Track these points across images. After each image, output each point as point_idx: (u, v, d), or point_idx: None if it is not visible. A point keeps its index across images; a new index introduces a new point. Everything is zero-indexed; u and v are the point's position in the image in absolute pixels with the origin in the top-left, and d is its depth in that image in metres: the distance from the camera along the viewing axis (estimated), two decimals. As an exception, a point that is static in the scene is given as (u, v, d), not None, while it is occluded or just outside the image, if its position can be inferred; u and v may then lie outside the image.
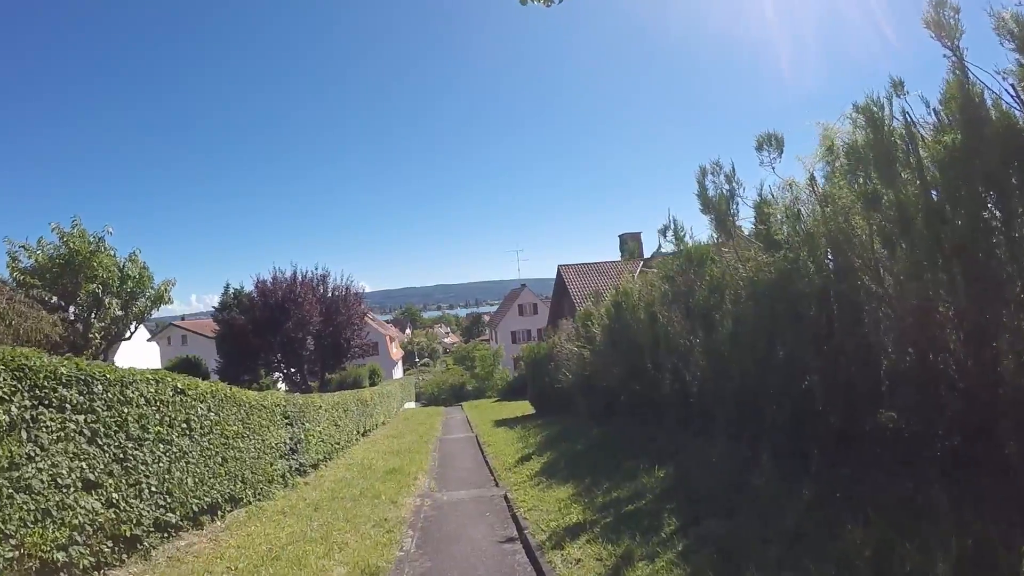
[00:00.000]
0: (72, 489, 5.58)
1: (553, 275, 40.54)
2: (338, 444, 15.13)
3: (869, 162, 5.53)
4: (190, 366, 27.83)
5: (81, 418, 5.84)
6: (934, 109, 5.17)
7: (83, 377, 5.96)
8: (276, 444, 10.81)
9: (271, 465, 10.47)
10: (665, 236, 9.00)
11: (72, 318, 15.75)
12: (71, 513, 5.51)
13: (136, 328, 17.86)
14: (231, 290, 31.05)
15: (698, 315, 7.78)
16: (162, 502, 6.99)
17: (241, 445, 9.24)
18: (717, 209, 7.37)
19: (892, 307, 5.53)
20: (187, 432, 7.68)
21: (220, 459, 8.50)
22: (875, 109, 5.52)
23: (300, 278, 26.56)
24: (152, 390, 7.08)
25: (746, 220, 7.63)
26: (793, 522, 4.82)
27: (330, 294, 28.23)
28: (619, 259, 37.53)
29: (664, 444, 8.56)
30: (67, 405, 5.68)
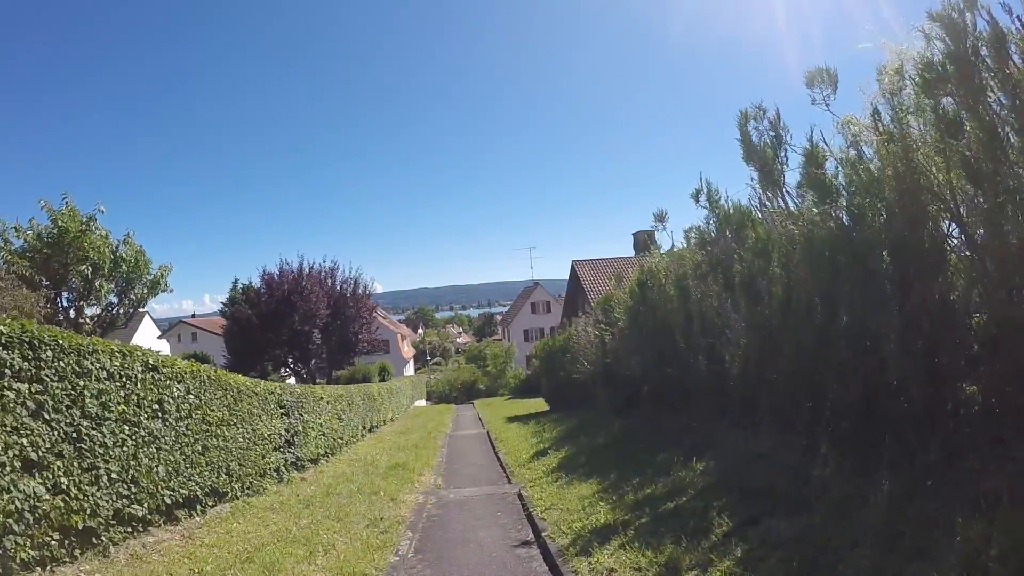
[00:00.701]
0: (7, 469, 4.70)
1: (566, 276, 39.69)
2: (341, 439, 14.26)
3: (948, 79, 4.53)
4: (199, 362, 27.25)
5: (24, 387, 4.97)
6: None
7: (29, 340, 5.09)
8: (269, 435, 9.93)
9: (263, 458, 9.60)
10: (698, 201, 8.02)
11: (65, 304, 15.01)
12: (5, 497, 4.64)
13: (132, 316, 17.06)
14: (239, 285, 30.38)
15: (740, 285, 6.78)
16: (125, 492, 6.11)
17: (227, 433, 8.36)
18: (762, 157, 6.38)
19: (979, 254, 4.54)
20: (159, 414, 6.80)
21: (200, 447, 7.62)
22: (954, 15, 4.52)
23: (307, 270, 25.75)
24: (117, 363, 6.21)
25: (794, 171, 6.64)
26: (881, 519, 3.81)
27: (338, 288, 27.41)
28: (633, 256, 36.89)
29: (698, 435, 7.56)
30: (5, 370, 4.80)
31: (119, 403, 6.14)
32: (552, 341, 19.05)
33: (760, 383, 6.69)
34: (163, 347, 57.45)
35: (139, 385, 6.50)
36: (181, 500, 7.18)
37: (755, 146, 6.41)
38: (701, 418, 8.12)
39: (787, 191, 6.60)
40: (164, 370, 7.03)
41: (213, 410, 8.03)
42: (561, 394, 17.97)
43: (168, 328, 68.15)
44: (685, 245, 8.81)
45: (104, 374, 6.00)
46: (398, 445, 14.24)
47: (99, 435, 5.79)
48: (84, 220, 13.59)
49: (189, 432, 7.38)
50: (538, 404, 25.04)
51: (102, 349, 6.05)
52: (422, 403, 38.64)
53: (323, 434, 12.80)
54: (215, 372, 8.37)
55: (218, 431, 8.11)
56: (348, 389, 16.21)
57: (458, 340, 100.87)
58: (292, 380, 28.94)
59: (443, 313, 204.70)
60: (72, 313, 14.33)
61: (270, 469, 9.88)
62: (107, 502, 5.84)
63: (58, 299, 14.66)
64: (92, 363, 5.84)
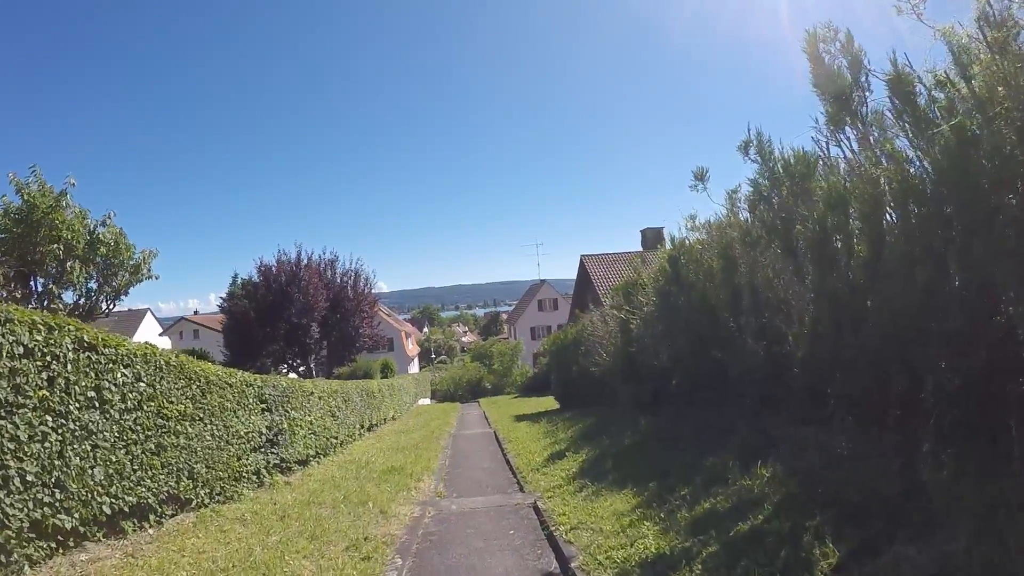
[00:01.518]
0: None
1: (573, 275, 38.50)
2: (335, 438, 13.03)
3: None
4: (198, 359, 26.10)
5: None
6: None
7: None
8: (247, 433, 8.71)
9: (238, 459, 8.37)
10: (747, 154, 6.74)
11: (40, 289, 13.82)
12: None
13: (114, 305, 15.85)
14: (239, 280, 29.22)
15: (809, 246, 5.50)
16: (47, 498, 4.89)
17: (190, 430, 7.13)
18: (837, 84, 5.10)
19: None
20: (96, 404, 5.58)
21: (154, 446, 6.39)
22: None
23: (305, 261, 24.48)
24: (39, 338, 4.99)
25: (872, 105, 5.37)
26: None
27: (338, 280, 26.17)
28: (642, 251, 35.75)
29: (749, 435, 6.26)
30: None
31: (39, 388, 4.91)
32: (563, 335, 17.75)
33: (833, 367, 5.41)
34: (164, 344, 56.64)
35: (69, 367, 5.27)
36: (128, 509, 5.96)
37: (829, 70, 5.13)
38: (749, 413, 6.83)
39: (869, 126, 5.31)
40: (106, 351, 5.80)
41: (172, 402, 6.80)
42: (573, 391, 16.68)
43: (170, 325, 67.38)
44: (727, 211, 7.51)
45: (20, 350, 4.78)
46: (397, 445, 13.00)
47: (8, 426, 4.57)
48: (55, 196, 12.37)
49: (139, 427, 6.15)
50: (547, 402, 23.76)
51: (18, 319, 4.83)
52: (426, 401, 37.40)
53: (313, 433, 11.57)
54: (177, 357, 7.12)
55: (179, 427, 6.87)
56: (344, 385, 14.99)
57: (463, 339, 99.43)
58: (293, 377, 27.84)
59: (448, 312, 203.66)
60: (47, 299, 13.11)
61: (248, 472, 8.66)
62: (20, 510, 4.63)
63: (31, 281, 13.47)
64: (2, 335, 4.62)
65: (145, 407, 6.30)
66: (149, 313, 64.39)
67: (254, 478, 8.95)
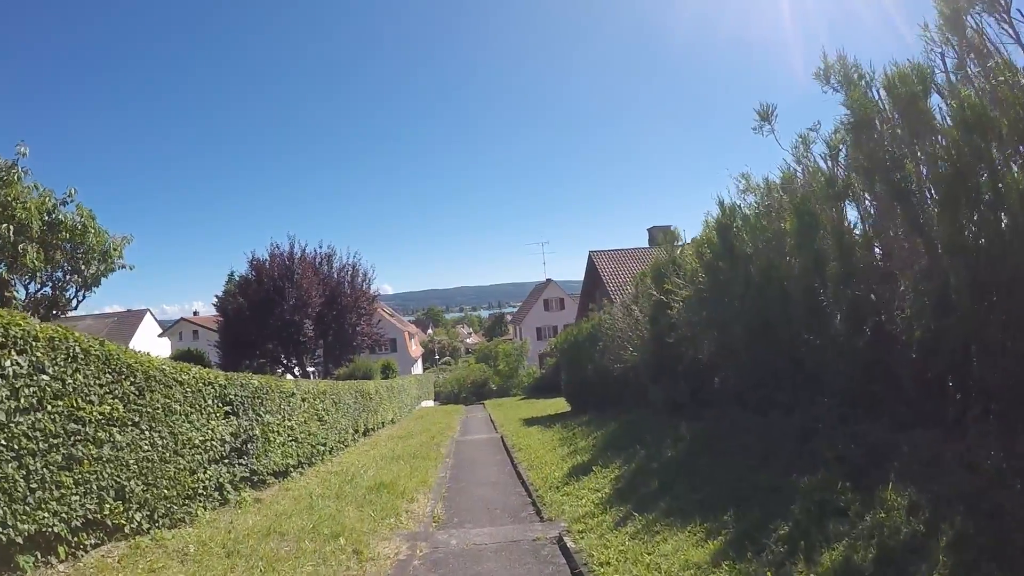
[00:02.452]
0: None
1: (579, 276, 37.09)
2: (322, 445, 11.55)
3: None
4: (193, 359, 24.60)
5: None
6: None
7: None
8: (204, 441, 7.23)
9: (192, 473, 6.89)
10: (827, 82, 5.24)
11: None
12: None
13: (84, 297, 14.43)
14: (235, 277, 27.79)
15: (933, 182, 3.99)
16: None
17: (120, 438, 5.64)
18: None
19: None
20: (-35, 405, 4.10)
21: (62, 458, 4.91)
22: None
23: (299, 253, 22.97)
24: None
25: None
26: None
27: (335, 275, 24.64)
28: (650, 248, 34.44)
29: (844, 444, 4.71)
30: None
31: None
32: (576, 331, 16.20)
33: (966, 350, 3.92)
34: (164, 345, 55.27)
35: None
36: (21, 540, 4.47)
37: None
38: (832, 416, 5.30)
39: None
40: (-14, 333, 4.32)
41: (92, 402, 5.31)
42: (587, 392, 15.13)
43: (170, 327, 66.16)
44: (793, 161, 6.00)
45: None
46: (393, 454, 11.49)
47: None
48: (4, 166, 10.91)
49: (39, 433, 4.68)
50: (557, 405, 22.21)
51: None
52: (429, 403, 35.88)
53: (295, 440, 10.09)
54: (101, 344, 5.62)
55: (102, 434, 5.39)
56: (335, 385, 13.50)
57: (468, 340, 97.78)
58: (291, 379, 26.33)
59: (453, 314, 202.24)
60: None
61: (206, 488, 7.18)
62: None
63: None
64: None
65: (49, 407, 4.83)
66: (149, 314, 63.18)
67: (215, 495, 7.48)
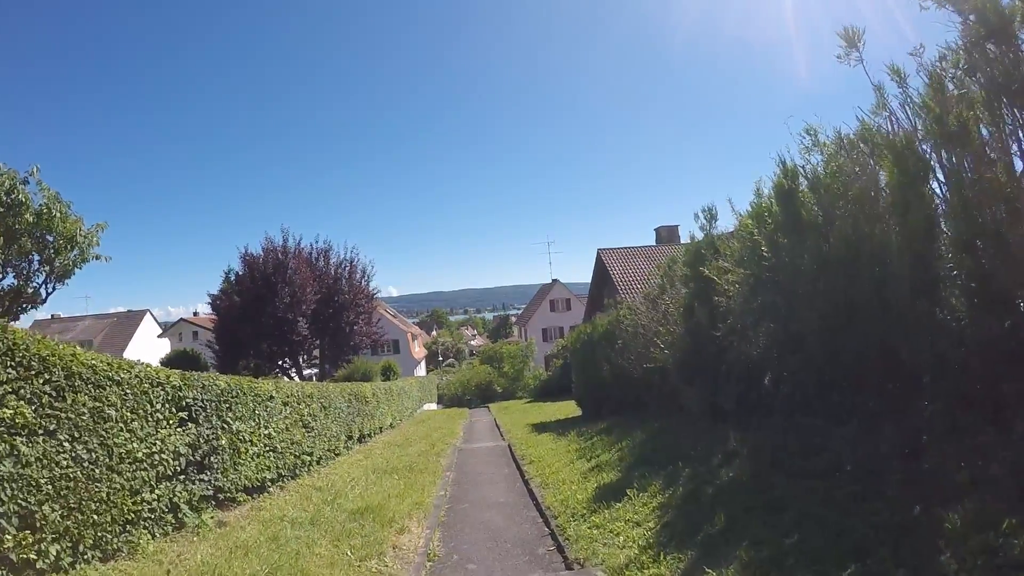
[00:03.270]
0: None
1: (585, 279, 35.91)
2: (307, 455, 10.26)
3: None
4: (188, 360, 23.43)
5: None
6: None
7: None
8: (152, 455, 5.94)
9: (135, 494, 5.61)
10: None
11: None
12: None
13: (53, 290, 13.18)
14: (232, 274, 26.58)
15: None
16: None
17: (27, 450, 4.37)
18: None
19: None
20: None
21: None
22: None
23: (293, 248, 21.66)
24: None
25: None
26: None
27: (332, 271, 23.35)
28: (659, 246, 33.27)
29: (974, 462, 3.38)
30: None
31: None
32: (590, 328, 14.83)
33: None
34: (163, 346, 54.11)
35: None
36: None
37: None
38: (943, 424, 3.98)
39: None
40: None
41: (-26, 409, 4.02)
42: (602, 395, 13.79)
43: (169, 327, 65.14)
44: (870, 112, 4.68)
45: None
46: (387, 465, 10.19)
47: None
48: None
49: None
50: (566, 408, 20.89)
51: None
52: (432, 407, 34.55)
53: (272, 450, 8.81)
54: (2, 331, 4.34)
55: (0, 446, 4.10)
56: (324, 388, 12.20)
57: (472, 342, 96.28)
58: (294, 378, 24.95)
59: (457, 316, 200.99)
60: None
61: (154, 511, 5.89)
62: None
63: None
64: None
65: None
66: (149, 315, 62.20)
67: (169, 518, 6.20)
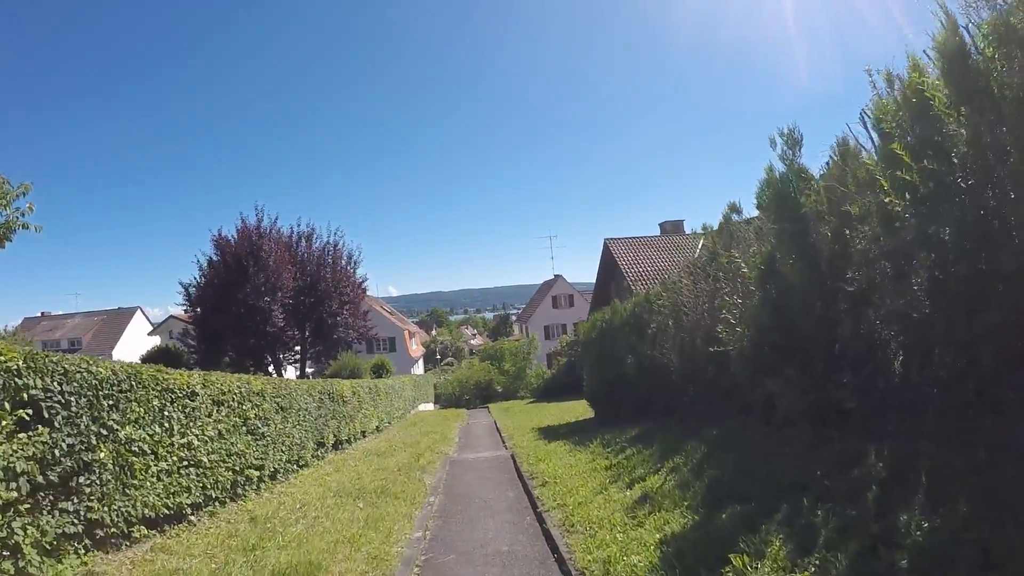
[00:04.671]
0: None
1: (587, 278, 33.78)
2: (256, 468, 8.00)
3: None
4: (169, 357, 21.12)
5: None
6: None
7: None
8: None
9: None
10: None
11: None
12: None
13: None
14: (206, 260, 24.16)
15: None
16: None
17: None
18: None
19: None
20: None
21: None
22: None
23: (268, 227, 19.22)
24: None
25: None
26: None
27: (315, 257, 20.92)
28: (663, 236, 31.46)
29: None
30: None
31: None
32: (609, 313, 12.47)
33: None
34: (153, 343, 51.91)
35: None
36: None
37: None
38: None
39: None
40: None
41: None
42: (623, 394, 11.46)
43: (159, 324, 62.97)
44: None
45: None
46: (355, 485, 7.88)
47: None
48: None
49: None
50: (575, 409, 18.59)
51: None
52: (429, 407, 32.15)
53: (196, 465, 6.54)
54: None
55: None
56: (283, 384, 9.86)
57: (472, 342, 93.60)
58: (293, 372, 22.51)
59: (457, 316, 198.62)
60: None
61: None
62: None
63: None
64: None
65: None
66: (139, 312, 60.16)
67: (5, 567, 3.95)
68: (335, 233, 21.57)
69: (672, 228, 32.78)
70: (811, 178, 5.23)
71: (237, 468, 7.61)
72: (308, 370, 35.81)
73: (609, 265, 30.61)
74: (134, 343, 51.31)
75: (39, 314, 62.06)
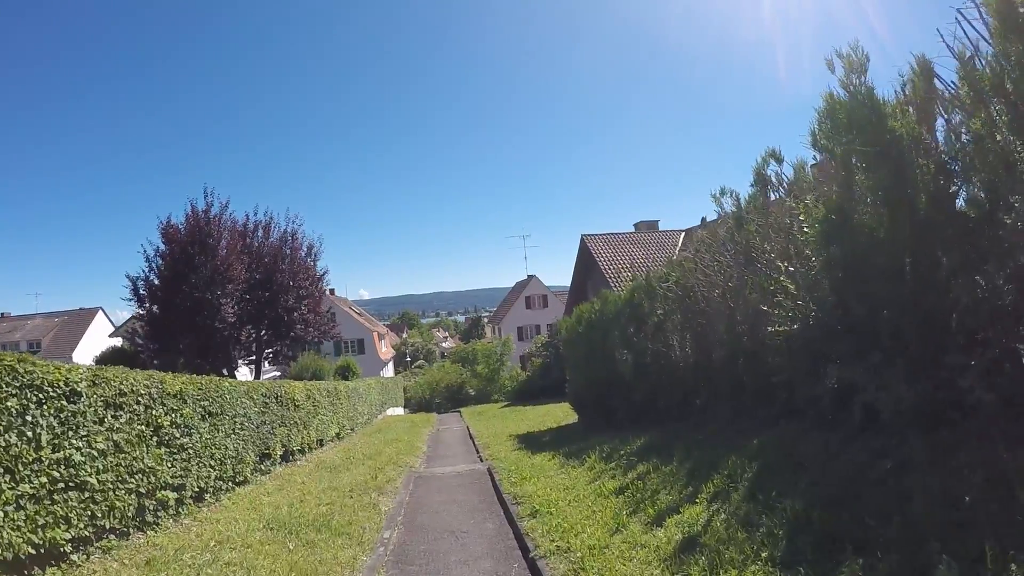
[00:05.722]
0: None
1: (561, 282, 32.42)
2: (171, 489, 6.36)
3: None
4: (125, 358, 19.00)
5: None
6: None
7: None
8: None
9: None
10: None
11: None
12: None
13: None
14: (153, 250, 21.84)
15: None
16: None
17: None
18: None
19: None
20: None
21: None
22: None
23: (216, 212, 17.21)
24: None
25: None
26: None
27: (273, 244, 18.95)
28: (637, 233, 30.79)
29: None
30: None
31: None
32: (599, 304, 11.03)
33: None
34: (115, 344, 48.91)
35: None
36: None
37: None
38: None
39: None
40: None
41: None
42: (617, 397, 10.04)
43: (122, 325, 59.71)
44: None
45: None
46: (295, 512, 6.27)
47: None
48: None
49: None
50: (554, 414, 17.18)
51: None
52: (399, 411, 30.33)
53: (78, 487, 4.96)
54: None
55: None
56: (212, 385, 8.13)
57: (444, 344, 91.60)
58: (246, 373, 20.54)
59: (429, 319, 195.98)
60: None
61: None
62: None
63: None
64: None
65: None
66: (101, 312, 57.03)
67: None
68: (293, 221, 19.66)
69: (647, 228, 31.96)
70: (885, 104, 3.88)
71: (144, 490, 5.97)
72: (275, 373, 33.64)
73: (586, 262, 29.36)
74: (95, 345, 48.40)
75: (-1, 315, 58.80)
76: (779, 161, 5.21)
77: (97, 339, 51.44)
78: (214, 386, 8.07)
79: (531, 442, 11.00)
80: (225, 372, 19.91)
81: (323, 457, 11.30)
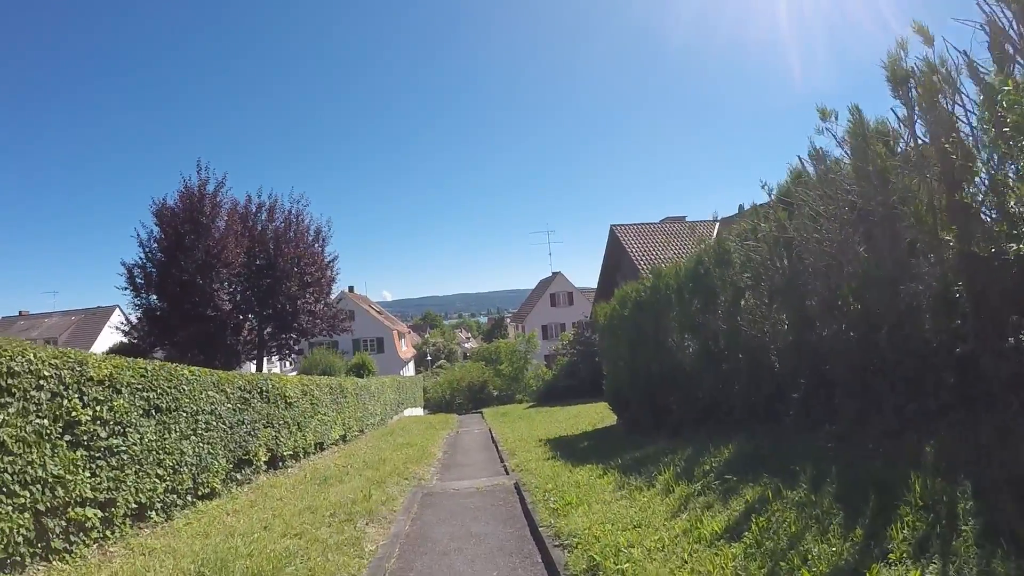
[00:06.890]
0: None
1: (587, 283, 30.48)
2: (96, 507, 4.74)
3: None
4: (132, 353, 17.72)
5: None
6: None
7: None
8: None
9: None
10: None
11: None
12: None
13: None
14: (148, 234, 20.40)
15: None
16: None
17: None
18: None
19: None
20: None
21: None
22: None
23: (213, 190, 15.52)
24: None
25: None
26: None
27: (277, 227, 17.29)
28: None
29: None
30: None
31: None
32: (650, 281, 9.08)
33: None
34: (123, 340, 48.37)
35: None
36: None
37: None
38: None
39: None
40: None
41: None
42: (673, 394, 8.13)
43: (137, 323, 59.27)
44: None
45: None
46: (245, 549, 4.50)
47: None
48: None
49: None
50: (587, 415, 15.28)
51: None
52: (417, 411, 28.56)
53: None
54: None
55: None
56: (162, 372, 6.40)
57: (466, 345, 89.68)
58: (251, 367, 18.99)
59: (451, 320, 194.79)
60: None
61: None
62: None
63: None
64: None
65: None
66: (118, 310, 56.60)
67: None
68: (298, 202, 17.92)
69: (675, 223, 30.20)
70: None
71: (46, 506, 4.27)
72: (288, 367, 32.17)
73: (616, 254, 27.49)
74: (112, 342, 47.91)
75: (17, 313, 59.11)
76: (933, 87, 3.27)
77: (114, 337, 50.94)
78: (166, 373, 6.34)
79: (566, 449, 9.13)
80: (218, 363, 18.36)
81: (318, 464, 9.57)
